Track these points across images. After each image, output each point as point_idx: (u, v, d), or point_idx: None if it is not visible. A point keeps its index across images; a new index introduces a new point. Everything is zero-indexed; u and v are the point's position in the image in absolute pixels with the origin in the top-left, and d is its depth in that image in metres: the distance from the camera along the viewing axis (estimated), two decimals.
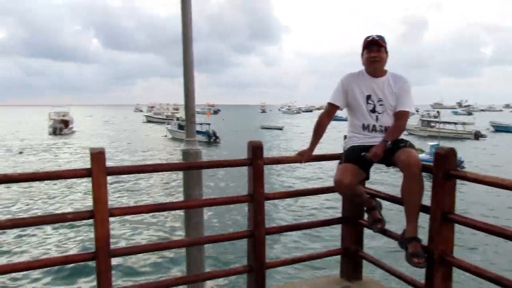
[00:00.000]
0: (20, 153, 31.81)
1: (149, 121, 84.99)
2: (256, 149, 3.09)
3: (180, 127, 43.46)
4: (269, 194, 3.28)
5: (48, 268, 8.54)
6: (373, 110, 3.14)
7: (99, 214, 2.62)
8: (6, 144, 38.79)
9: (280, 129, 62.11)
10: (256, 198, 3.09)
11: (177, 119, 53.42)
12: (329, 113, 3.29)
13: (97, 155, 2.61)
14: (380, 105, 3.14)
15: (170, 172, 17.77)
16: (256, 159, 3.08)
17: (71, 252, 9.78)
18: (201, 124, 39.46)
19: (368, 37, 3.10)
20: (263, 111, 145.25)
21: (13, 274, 8.28)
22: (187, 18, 3.59)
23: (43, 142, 41.39)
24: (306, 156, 3.29)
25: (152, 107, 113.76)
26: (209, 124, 41.41)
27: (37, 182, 16.02)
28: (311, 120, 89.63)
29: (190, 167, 3.48)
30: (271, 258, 3.38)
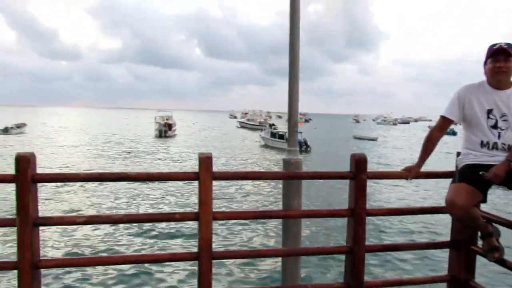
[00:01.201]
0: (129, 153, 34.86)
1: (242, 127, 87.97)
2: (360, 162, 2.99)
3: (273, 134, 44.25)
4: (371, 210, 3.14)
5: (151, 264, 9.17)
6: (495, 126, 2.85)
7: (204, 216, 2.73)
8: (117, 145, 42.85)
9: (374, 139, 59.76)
10: (358, 213, 2.98)
11: (270, 126, 54.29)
12: (441, 127, 3.06)
13: (205, 160, 2.73)
14: (504, 120, 2.83)
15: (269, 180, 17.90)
16: (359, 172, 2.97)
17: (175, 251, 10.28)
18: None
19: (494, 44, 2.81)
20: (357, 121, 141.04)
21: (123, 266, 9.05)
22: (295, 28, 3.63)
23: (149, 143, 44.85)
24: (413, 172, 3.10)
25: (245, 113, 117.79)
26: (301, 132, 41.37)
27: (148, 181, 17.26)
28: (408, 132, 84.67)
29: (292, 177, 3.47)
30: (368, 276, 3.22)
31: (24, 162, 2.55)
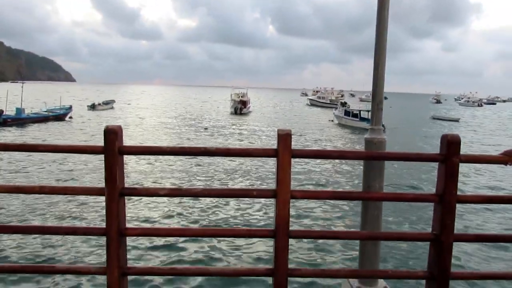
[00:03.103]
0: (205, 129, 36.18)
1: (312, 105, 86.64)
2: (452, 144, 2.72)
3: (346, 113, 43.20)
4: (462, 196, 2.87)
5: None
6: None
7: (282, 194, 2.68)
8: (194, 121, 44.52)
9: (456, 121, 55.63)
10: (447, 199, 2.74)
11: (342, 104, 53.13)
12: None
13: (284, 137, 2.65)
14: None
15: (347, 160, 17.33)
16: (451, 155, 2.72)
17: (252, 227, 10.42)
18: (368, 111, 38.49)
19: None
20: (437, 101, 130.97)
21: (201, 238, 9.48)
22: (384, 3, 3.39)
23: (226, 120, 46.06)
24: None
25: (316, 91, 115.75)
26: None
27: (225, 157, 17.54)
28: (495, 114, 77.56)
29: (376, 157, 3.29)
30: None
31: (112, 134, 2.66)
